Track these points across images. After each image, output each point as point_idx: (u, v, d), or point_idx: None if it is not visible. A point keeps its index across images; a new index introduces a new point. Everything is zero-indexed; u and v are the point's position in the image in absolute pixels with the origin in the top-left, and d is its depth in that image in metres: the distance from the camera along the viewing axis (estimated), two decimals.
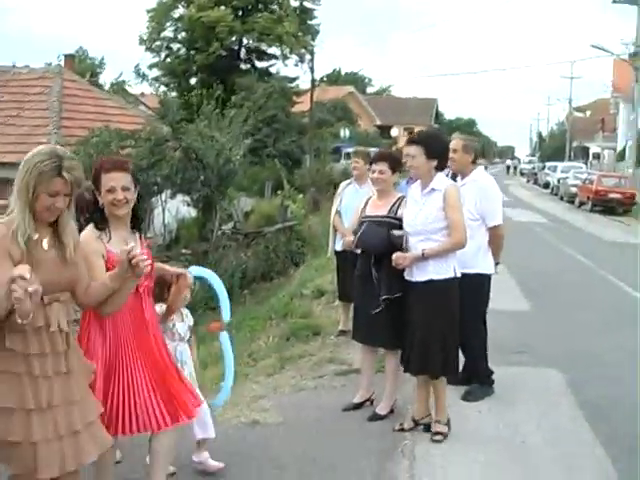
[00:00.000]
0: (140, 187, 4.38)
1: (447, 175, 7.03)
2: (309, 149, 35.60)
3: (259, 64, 46.17)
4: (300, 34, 43.46)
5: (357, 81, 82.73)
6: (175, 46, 46.28)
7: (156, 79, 46.01)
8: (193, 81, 43.55)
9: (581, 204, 34.38)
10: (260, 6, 43.31)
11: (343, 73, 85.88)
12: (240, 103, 28.12)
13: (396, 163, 6.36)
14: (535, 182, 58.60)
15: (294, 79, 44.40)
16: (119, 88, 47.19)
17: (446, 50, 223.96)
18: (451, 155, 6.36)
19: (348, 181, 8.83)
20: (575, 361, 8.10)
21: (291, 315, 10.30)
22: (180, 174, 16.70)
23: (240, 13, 43.26)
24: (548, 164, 55.04)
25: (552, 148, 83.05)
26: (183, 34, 45.52)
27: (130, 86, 50.07)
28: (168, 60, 45.96)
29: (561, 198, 39.99)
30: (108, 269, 4.04)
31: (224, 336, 5.28)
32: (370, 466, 5.27)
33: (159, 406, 4.24)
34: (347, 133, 46.78)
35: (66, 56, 29.74)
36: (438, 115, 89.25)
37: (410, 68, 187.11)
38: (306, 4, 45.06)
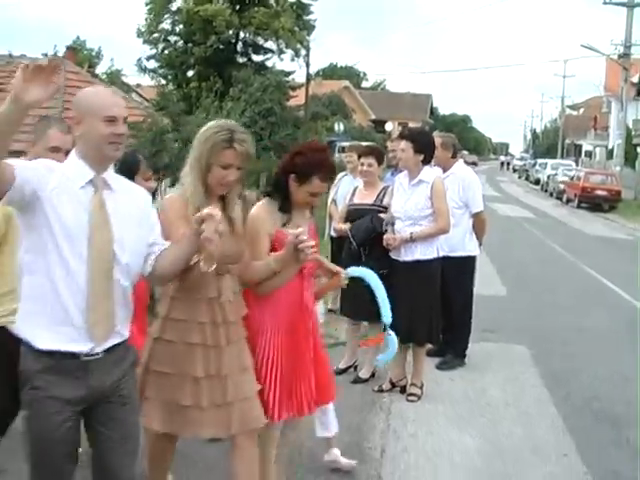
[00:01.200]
0: None
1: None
2: (304, 142, 36.20)
3: (256, 58, 46.33)
4: (296, 29, 43.88)
5: (352, 75, 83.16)
6: (173, 38, 46.16)
7: (154, 71, 46.33)
8: (190, 73, 43.73)
9: (568, 200, 35.14)
10: (257, 1, 43.76)
11: (338, 67, 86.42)
12: (237, 96, 28.73)
13: (381, 156, 7.15)
14: (526, 178, 59.44)
15: (290, 73, 44.74)
16: (115, 78, 47.59)
17: (442, 46, 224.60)
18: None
19: (344, 172, 9.53)
20: (542, 339, 8.92)
21: None
22: (179, 164, 17.37)
23: (237, 7, 43.63)
24: (539, 161, 55.86)
25: (546, 145, 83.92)
26: (181, 27, 45.64)
27: (125, 76, 50.52)
28: (166, 52, 46.16)
29: (550, 194, 40.80)
30: (274, 249, 4.07)
31: (392, 340, 5.22)
32: (352, 418, 6.04)
33: (311, 391, 4.26)
34: (341, 127, 47.31)
35: (68, 48, 30.27)
36: (433, 111, 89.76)
37: (405, 63, 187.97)
38: (303, 0, 45.53)
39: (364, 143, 12.05)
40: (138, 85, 46.85)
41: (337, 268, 4.53)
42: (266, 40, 45.29)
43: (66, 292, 3.09)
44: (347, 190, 7.73)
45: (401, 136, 6.76)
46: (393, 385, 6.70)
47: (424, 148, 6.45)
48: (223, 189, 3.72)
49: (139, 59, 44.20)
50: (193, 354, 3.71)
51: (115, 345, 3.24)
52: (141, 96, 38.15)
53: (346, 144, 15.20)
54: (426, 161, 6.49)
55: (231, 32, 43.38)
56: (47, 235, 3.08)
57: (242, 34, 45.17)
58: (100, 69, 53.79)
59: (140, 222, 3.32)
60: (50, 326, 3.11)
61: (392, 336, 5.17)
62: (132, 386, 3.43)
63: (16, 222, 3.53)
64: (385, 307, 5.06)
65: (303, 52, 43.86)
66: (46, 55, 34.40)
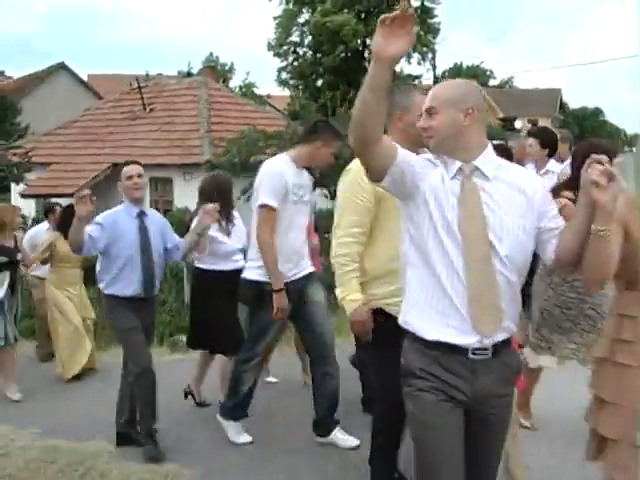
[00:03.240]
0: None
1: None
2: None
3: None
4: (422, 33, 44.49)
5: (479, 75, 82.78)
6: (301, 50, 47.06)
7: (285, 82, 47.79)
8: (320, 82, 45.08)
9: None
10: (382, 9, 44.48)
11: (464, 67, 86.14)
12: None
13: (506, 154, 8.00)
14: None
15: (417, 77, 45.35)
16: (247, 90, 49.36)
17: (570, 40, 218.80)
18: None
19: None
20: None
21: None
22: (318, 169, 18.20)
23: (363, 16, 44.54)
24: None
25: None
26: (309, 39, 46.73)
27: (257, 88, 52.23)
28: (295, 63, 47.44)
29: None
30: None
31: None
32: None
33: None
34: None
35: (207, 67, 32.24)
36: (562, 105, 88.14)
37: (533, 59, 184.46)
38: (427, 4, 46.06)
39: (494, 142, 12.82)
40: (268, 96, 48.35)
41: None
42: None
43: (449, 283, 2.99)
44: None
45: (529, 134, 7.76)
46: None
47: (549, 143, 7.44)
48: None
49: (279, 73, 45.42)
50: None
51: (502, 344, 3.06)
52: (272, 106, 39.47)
53: None
54: (550, 154, 7.47)
55: (358, 41, 44.26)
56: (427, 226, 3.03)
57: (369, 41, 45.86)
58: (233, 83, 55.84)
59: (525, 212, 3.05)
60: (437, 317, 3.02)
61: None
62: (507, 404, 3.22)
63: (387, 206, 3.92)
64: None
65: (429, 55, 44.49)
66: (181, 72, 35.54)
